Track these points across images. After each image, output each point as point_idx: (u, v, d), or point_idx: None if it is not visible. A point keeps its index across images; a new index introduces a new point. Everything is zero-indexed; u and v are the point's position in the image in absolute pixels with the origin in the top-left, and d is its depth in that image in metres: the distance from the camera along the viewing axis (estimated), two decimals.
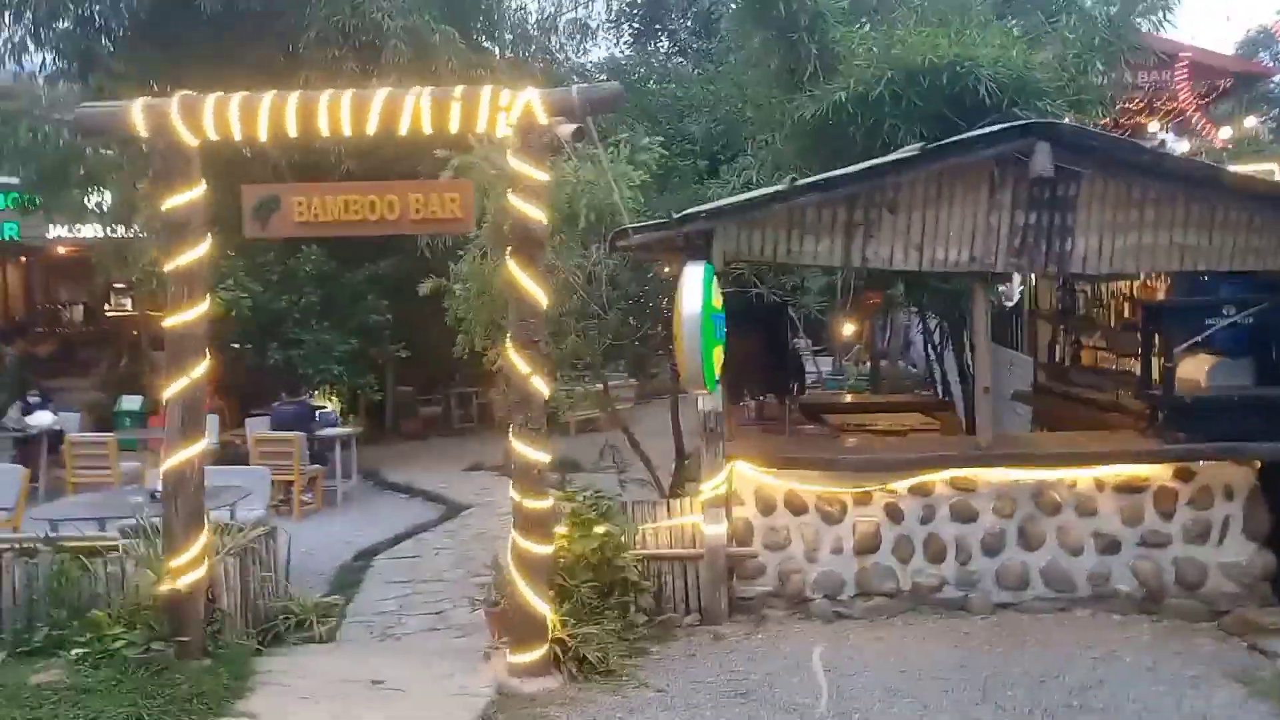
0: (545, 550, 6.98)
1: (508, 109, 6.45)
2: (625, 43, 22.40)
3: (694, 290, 7.11)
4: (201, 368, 6.94)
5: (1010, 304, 15.83)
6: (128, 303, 27.43)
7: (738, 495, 8.18)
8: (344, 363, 16.02)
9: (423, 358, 17.72)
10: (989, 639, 7.68)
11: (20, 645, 6.97)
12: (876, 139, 13.13)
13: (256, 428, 14.96)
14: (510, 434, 6.93)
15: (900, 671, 7.10)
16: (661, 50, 22.17)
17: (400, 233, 7.15)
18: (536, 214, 6.57)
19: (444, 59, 15.13)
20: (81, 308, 26.11)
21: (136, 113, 6.65)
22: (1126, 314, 10.16)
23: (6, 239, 21.39)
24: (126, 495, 10.33)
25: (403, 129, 6.58)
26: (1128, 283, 10.10)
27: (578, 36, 20.56)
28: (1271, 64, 22.68)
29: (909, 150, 7.77)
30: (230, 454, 14.19)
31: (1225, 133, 20.22)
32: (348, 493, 13.89)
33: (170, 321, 6.88)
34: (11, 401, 16.27)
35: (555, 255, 9.90)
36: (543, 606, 6.96)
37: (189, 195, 6.74)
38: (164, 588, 6.79)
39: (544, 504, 6.95)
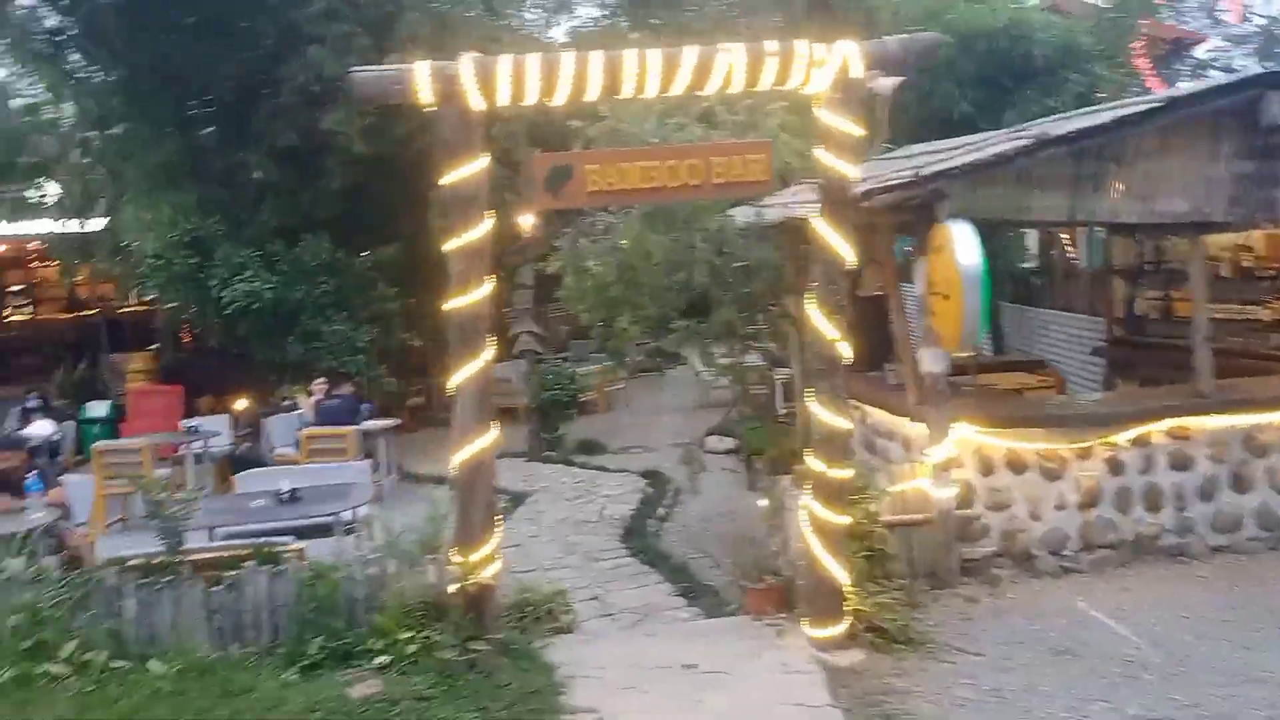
0: (843, 520, 6.80)
1: (823, 63, 6.21)
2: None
3: (970, 245, 6.94)
4: (488, 353, 6.47)
5: (1029, 264, 16.26)
6: (28, 306, 25.64)
7: (957, 458, 8.11)
8: (365, 353, 15.35)
9: (407, 347, 17.08)
10: (1229, 580, 7.85)
11: (298, 659, 6.40)
12: (929, 103, 13.33)
13: (278, 427, 14.24)
14: (811, 402, 6.72)
15: (1182, 617, 7.18)
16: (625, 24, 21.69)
17: (701, 198, 6.81)
18: (851, 171, 6.34)
19: (463, 32, 14.56)
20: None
21: (422, 76, 6.10)
22: (1244, 264, 10.52)
23: None
24: (245, 500, 9.68)
25: (711, 87, 6.28)
26: (1241, 235, 10.44)
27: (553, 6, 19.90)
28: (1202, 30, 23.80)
29: (1152, 100, 7.81)
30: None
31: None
32: (389, 486, 13.29)
33: (453, 304, 6.37)
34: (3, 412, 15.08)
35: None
36: (843, 577, 6.79)
37: (474, 167, 6.26)
38: (470, 582, 6.34)
39: (847, 473, 6.76)
